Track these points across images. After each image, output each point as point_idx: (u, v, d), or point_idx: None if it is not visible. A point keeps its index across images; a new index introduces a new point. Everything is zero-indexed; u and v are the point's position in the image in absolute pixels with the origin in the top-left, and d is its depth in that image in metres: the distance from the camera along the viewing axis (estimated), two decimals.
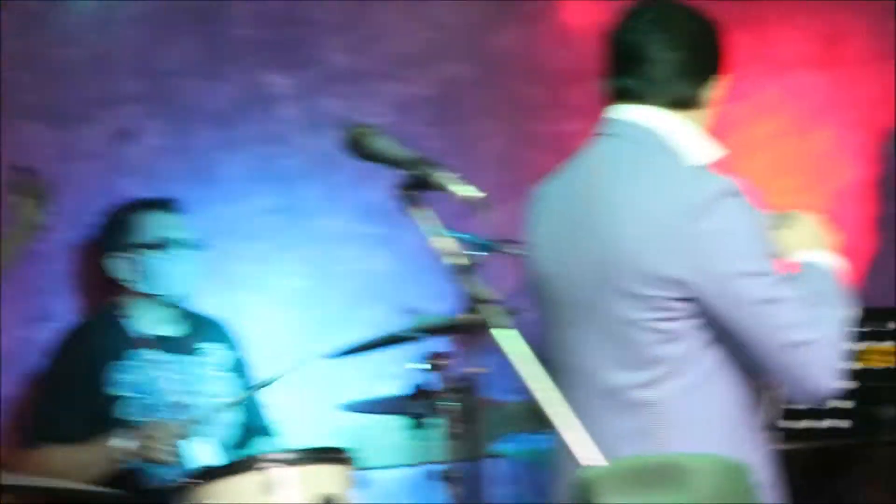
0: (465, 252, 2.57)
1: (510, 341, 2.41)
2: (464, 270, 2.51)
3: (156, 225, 4.64)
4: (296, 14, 5.20)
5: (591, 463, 2.37)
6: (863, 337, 4.44)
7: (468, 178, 4.87)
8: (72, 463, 4.36)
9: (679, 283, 2.86)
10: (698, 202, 2.87)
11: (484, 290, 2.48)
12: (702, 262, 2.87)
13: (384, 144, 2.67)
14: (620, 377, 2.99)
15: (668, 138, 3.06)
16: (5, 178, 4.43)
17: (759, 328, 2.88)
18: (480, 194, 2.56)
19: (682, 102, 3.08)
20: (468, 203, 2.53)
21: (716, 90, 3.13)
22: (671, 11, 3.18)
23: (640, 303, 2.92)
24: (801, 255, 3.07)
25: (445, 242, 2.52)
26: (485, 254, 4.38)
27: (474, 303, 2.47)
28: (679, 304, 2.89)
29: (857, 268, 5.72)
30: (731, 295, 2.88)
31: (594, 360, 3.05)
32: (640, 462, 2.18)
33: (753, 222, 2.93)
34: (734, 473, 2.12)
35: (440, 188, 2.55)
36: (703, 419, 2.99)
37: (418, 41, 5.29)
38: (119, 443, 4.39)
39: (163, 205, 4.71)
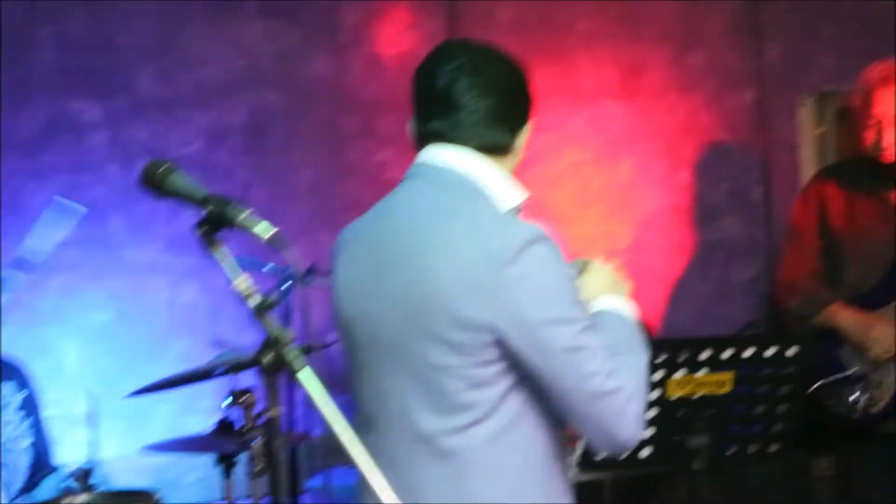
0: (260, 292, 2.39)
1: (307, 380, 2.36)
2: (261, 309, 2.38)
3: None
4: (103, 40, 5.19)
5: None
6: (670, 367, 4.38)
7: (280, 208, 4.95)
8: None
9: (489, 330, 2.80)
10: (506, 249, 2.80)
11: (280, 329, 2.37)
12: (510, 309, 2.81)
13: (179, 181, 2.50)
14: (430, 423, 2.94)
15: (478, 182, 3.01)
16: None
17: (567, 376, 2.84)
18: (274, 230, 2.39)
19: (494, 149, 3.01)
20: (265, 240, 2.41)
21: (523, 138, 3.10)
22: (482, 55, 3.07)
23: (450, 348, 2.86)
24: (599, 303, 3.08)
25: (243, 282, 2.41)
26: (292, 284, 4.70)
27: (271, 342, 2.37)
28: (486, 350, 2.83)
29: (662, 294, 5.84)
30: (539, 342, 2.82)
31: (404, 404, 2.99)
32: None
33: (560, 269, 2.88)
34: None
35: (236, 225, 2.40)
36: (509, 466, 2.95)
37: (229, 69, 5.33)
38: None
39: None
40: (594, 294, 3.07)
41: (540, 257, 2.80)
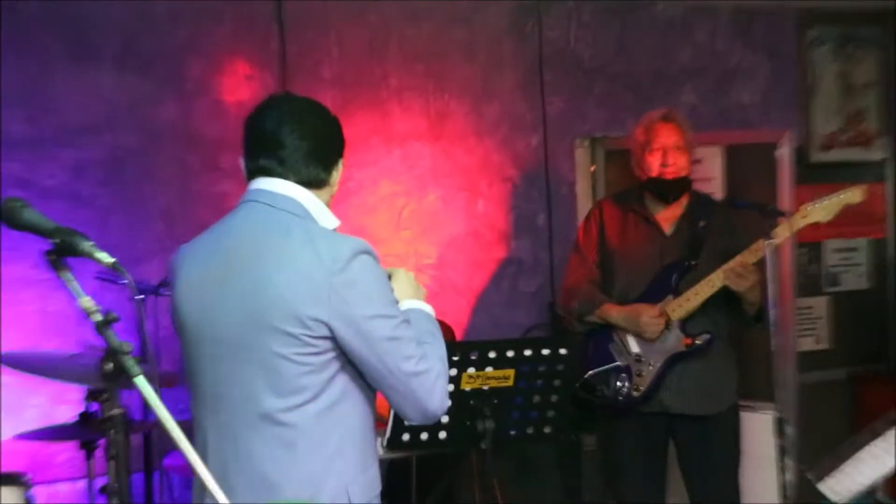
0: (100, 310, 2.67)
1: (142, 385, 2.61)
2: (102, 325, 2.68)
3: None
4: None
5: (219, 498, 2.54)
6: (462, 364, 4.58)
7: (137, 231, 5.39)
8: None
9: (321, 324, 3.12)
10: (337, 259, 3.14)
11: (119, 342, 2.67)
12: (340, 307, 3.13)
13: (31, 216, 2.82)
14: (271, 402, 3.19)
15: (305, 206, 3.33)
16: None
17: (388, 360, 3.19)
18: (111, 259, 2.70)
19: (312, 183, 3.36)
20: (106, 265, 2.71)
21: (338, 172, 3.47)
22: (300, 105, 3.44)
23: (289, 339, 3.14)
24: (405, 303, 3.43)
25: (86, 301, 2.68)
26: (144, 297, 4.87)
27: (111, 352, 2.68)
28: (320, 342, 3.14)
29: (464, 303, 6.21)
30: (365, 333, 3.17)
31: (249, 388, 3.24)
32: None
33: (380, 276, 3.27)
34: None
35: (81, 254, 2.73)
36: (333, 437, 3.24)
37: (90, 113, 5.39)
38: None
39: None
40: (401, 296, 3.44)
41: (364, 266, 3.17)
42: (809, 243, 6.85)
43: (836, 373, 6.98)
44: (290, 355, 3.18)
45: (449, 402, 3.34)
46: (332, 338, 3.16)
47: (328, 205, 3.44)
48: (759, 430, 5.37)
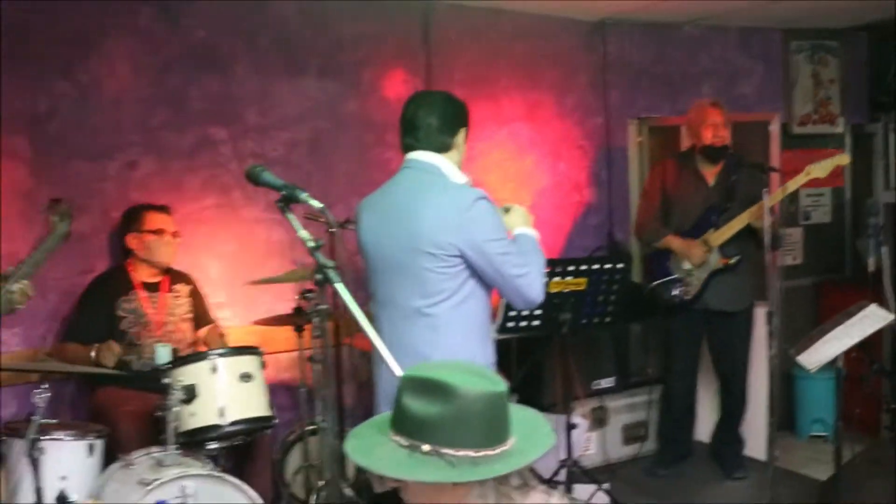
0: (314, 239, 2.86)
1: (341, 289, 2.78)
2: (313, 249, 2.86)
3: (151, 220, 4.77)
4: (231, 90, 5.23)
5: (396, 369, 2.62)
6: (550, 274, 4.67)
7: (328, 187, 5.46)
8: (80, 353, 4.50)
9: (454, 246, 3.26)
10: (464, 202, 3.27)
11: (325, 259, 2.85)
12: (466, 235, 3.25)
13: (267, 177, 2.99)
14: (420, 301, 3.35)
15: (440, 168, 3.40)
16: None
17: (499, 268, 3.30)
18: (320, 204, 2.86)
19: (441, 148, 3.42)
20: (317, 209, 2.88)
21: (460, 139, 3.48)
22: (430, 96, 3.62)
23: (431, 258, 3.28)
24: (517, 230, 3.49)
25: (303, 233, 2.86)
26: (340, 229, 4.86)
27: (320, 267, 2.86)
28: (453, 259, 3.28)
29: (550, 232, 5.99)
30: (482, 252, 3.27)
31: (403, 293, 3.39)
32: (423, 376, 1.96)
33: (493, 212, 3.33)
34: (485, 387, 1.94)
35: (300, 201, 2.90)
36: (462, 324, 3.36)
37: (299, 107, 5.39)
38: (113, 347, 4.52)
39: (157, 207, 4.84)
40: (516, 224, 3.52)
41: (481, 207, 3.27)
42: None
43: (806, 280, 6.97)
44: (432, 268, 3.32)
45: (544, 295, 3.40)
46: (461, 256, 3.28)
47: (458, 165, 3.48)
48: (755, 320, 5.53)
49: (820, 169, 5.00)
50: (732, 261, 5.31)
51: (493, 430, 1.95)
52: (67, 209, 4.12)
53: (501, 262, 3.32)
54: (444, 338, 3.38)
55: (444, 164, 3.46)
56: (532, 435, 2.04)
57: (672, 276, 5.45)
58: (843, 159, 5.10)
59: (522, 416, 2.10)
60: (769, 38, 6.89)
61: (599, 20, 6.24)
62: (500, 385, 1.97)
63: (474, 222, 3.30)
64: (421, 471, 1.89)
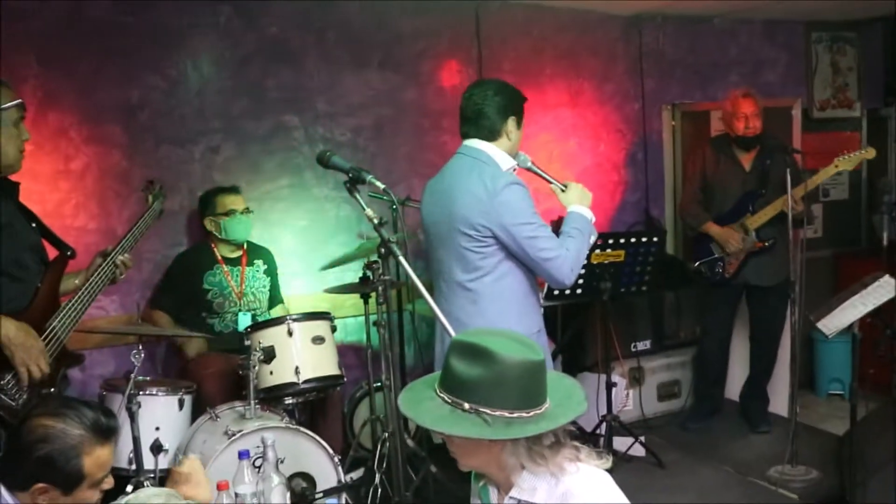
0: (378, 216, 2.93)
1: (403, 262, 2.86)
2: (378, 225, 2.93)
3: (222, 202, 4.76)
4: (302, 80, 5.20)
5: (450, 332, 2.69)
6: (592, 247, 4.60)
7: (392, 168, 5.45)
8: (164, 321, 4.58)
9: (486, 228, 3.28)
10: (496, 187, 3.27)
11: (388, 234, 2.93)
12: (497, 218, 3.27)
13: (336, 160, 3.04)
14: (461, 276, 3.40)
15: (488, 155, 3.40)
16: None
17: (529, 250, 3.28)
18: (383, 185, 2.92)
19: (490, 136, 3.45)
20: (381, 190, 2.94)
21: (509, 126, 3.47)
22: (483, 86, 3.53)
23: (467, 238, 3.33)
24: (571, 207, 3.45)
25: (369, 212, 2.92)
26: (401, 206, 4.72)
27: (384, 241, 2.94)
28: (487, 240, 3.30)
29: (591, 208, 6.27)
30: (512, 234, 3.28)
31: (448, 268, 3.45)
32: (469, 341, 1.98)
33: (523, 198, 3.28)
34: (524, 355, 1.96)
35: (365, 182, 2.95)
36: (502, 297, 3.38)
37: (363, 96, 5.35)
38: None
39: (227, 189, 4.83)
40: (571, 201, 3.45)
41: (512, 191, 3.26)
42: (811, 170, 6.61)
43: (825, 252, 6.84)
44: (469, 247, 3.35)
45: (574, 277, 3.34)
46: (494, 237, 3.29)
47: (510, 151, 3.43)
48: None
49: (847, 161, 4.92)
50: (767, 243, 5.25)
51: (528, 394, 1.97)
52: (161, 189, 4.20)
53: (529, 245, 3.29)
54: (483, 310, 3.38)
55: (493, 150, 3.44)
56: (566, 401, 2.05)
57: (715, 256, 5.37)
58: (870, 153, 4.95)
59: (560, 384, 2.13)
60: (792, 30, 6.72)
61: (636, 14, 6.13)
62: (539, 355, 1.99)
63: (504, 206, 3.28)
64: (459, 426, 1.93)
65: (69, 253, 3.26)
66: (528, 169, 3.52)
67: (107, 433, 2.27)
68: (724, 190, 5.35)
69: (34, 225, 3.23)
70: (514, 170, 3.49)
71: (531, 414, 1.96)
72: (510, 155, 3.47)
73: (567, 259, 3.30)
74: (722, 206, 5.35)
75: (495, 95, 3.44)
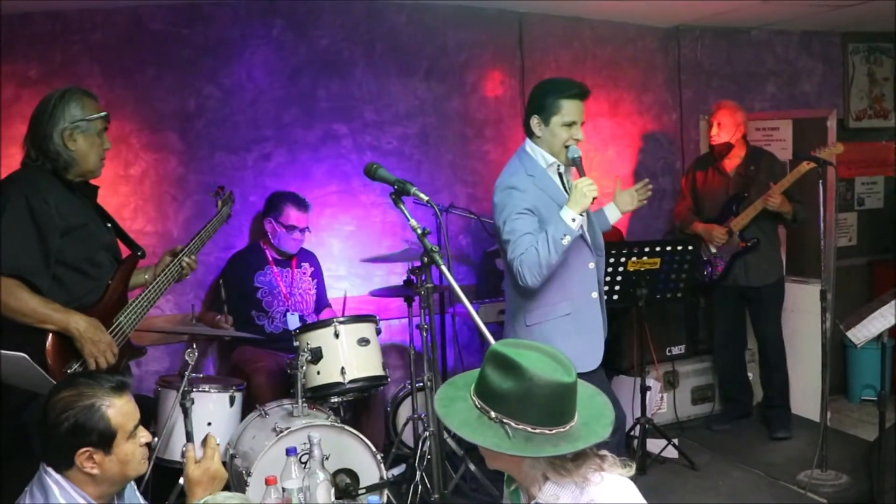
0: (421, 226, 2.97)
1: (442, 269, 2.89)
2: (421, 235, 2.96)
3: (288, 214, 4.77)
4: (351, 90, 5.23)
5: (489, 338, 2.71)
6: (629, 255, 4.76)
7: (436, 176, 5.47)
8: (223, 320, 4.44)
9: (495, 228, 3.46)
10: (497, 188, 3.45)
11: (431, 244, 2.94)
12: (494, 217, 3.45)
13: (382, 172, 3.09)
14: (505, 266, 3.54)
15: (527, 150, 3.51)
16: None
17: (506, 249, 3.40)
18: (426, 197, 2.97)
19: (529, 135, 3.55)
20: (421, 200, 2.99)
21: (533, 125, 3.49)
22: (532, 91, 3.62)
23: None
24: (563, 210, 3.32)
25: (412, 222, 2.97)
26: (445, 213, 4.97)
27: (427, 250, 2.95)
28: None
29: (641, 217, 6.04)
30: (498, 232, 3.42)
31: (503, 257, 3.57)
32: (505, 352, 1.96)
33: (508, 200, 3.35)
34: (555, 376, 1.94)
35: (409, 193, 3.01)
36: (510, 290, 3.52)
37: (409, 106, 5.38)
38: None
39: (298, 202, 4.84)
40: (570, 205, 3.33)
41: (500, 195, 3.39)
42: (846, 179, 6.62)
43: (860, 260, 6.77)
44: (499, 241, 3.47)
45: (531, 283, 3.33)
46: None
47: (549, 147, 3.47)
48: (810, 297, 5.28)
49: (822, 155, 4.77)
50: (749, 243, 5.23)
51: (553, 412, 1.93)
52: (230, 195, 4.23)
53: (505, 246, 3.39)
54: (511, 295, 3.54)
55: (532, 147, 3.52)
56: (593, 421, 2.01)
57: (702, 259, 5.37)
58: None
59: (593, 402, 2.09)
60: (829, 41, 6.65)
61: (674, 26, 6.13)
62: (571, 376, 1.95)
63: (495, 207, 3.44)
64: (481, 434, 1.92)
65: (139, 253, 3.37)
66: (571, 163, 3.50)
67: (120, 387, 2.33)
68: (711, 197, 5.39)
69: (109, 225, 3.34)
70: (556, 166, 3.53)
71: (553, 432, 1.94)
72: (553, 150, 3.49)
73: (522, 264, 3.32)
74: (710, 211, 5.39)
75: (529, 96, 3.56)
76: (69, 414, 2.22)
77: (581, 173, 3.43)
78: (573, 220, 3.31)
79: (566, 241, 3.30)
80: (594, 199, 3.34)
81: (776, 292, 5.34)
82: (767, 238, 5.26)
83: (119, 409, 2.29)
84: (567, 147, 3.49)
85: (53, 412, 2.25)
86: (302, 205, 4.84)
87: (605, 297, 4.74)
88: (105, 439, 2.25)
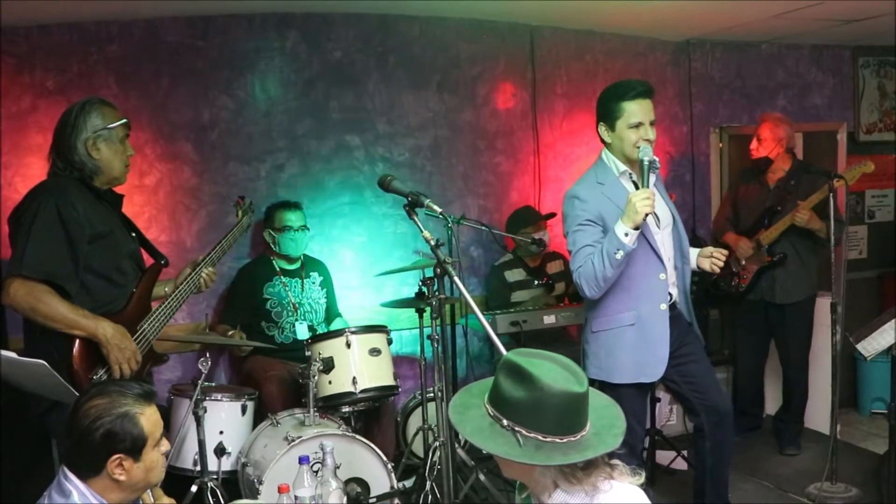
0: (433, 237, 3.01)
1: (455, 279, 2.91)
2: (434, 247, 3.01)
3: (279, 217, 4.80)
4: (363, 102, 5.25)
5: (500, 348, 2.68)
6: None
7: (449, 189, 5.46)
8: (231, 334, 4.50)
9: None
10: (566, 198, 3.53)
11: (444, 255, 3.00)
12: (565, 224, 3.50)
13: (396, 184, 3.16)
14: None
15: (602, 158, 3.57)
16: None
17: (573, 258, 3.44)
18: (439, 209, 3.01)
19: (602, 142, 3.57)
20: (439, 212, 3.05)
21: (601, 133, 3.55)
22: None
23: None
24: (618, 224, 3.33)
25: (426, 233, 3.00)
26: (457, 225, 4.66)
27: (440, 261, 3.01)
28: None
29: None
30: (569, 242, 3.46)
31: None
32: (518, 362, 1.97)
33: (572, 210, 3.45)
34: (567, 386, 1.93)
35: (422, 206, 3.07)
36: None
37: (421, 118, 5.38)
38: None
39: (286, 205, 4.84)
40: (624, 219, 3.32)
41: (567, 204, 3.47)
42: (856, 192, 6.59)
43: (870, 273, 6.74)
44: None
45: (592, 292, 3.40)
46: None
47: (619, 155, 3.50)
48: (821, 310, 5.27)
49: (849, 175, 4.77)
50: (775, 258, 5.17)
51: (564, 422, 1.94)
52: (250, 204, 4.27)
53: (571, 255, 3.43)
54: (584, 301, 3.58)
55: (607, 155, 3.56)
56: (604, 431, 2.01)
57: (731, 270, 5.30)
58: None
59: (606, 412, 2.09)
60: (839, 55, 6.63)
61: (685, 40, 6.13)
62: (583, 386, 1.95)
63: (564, 216, 3.49)
64: (493, 442, 1.93)
65: (163, 262, 3.42)
66: (641, 166, 3.44)
67: (148, 396, 2.37)
68: (748, 209, 5.33)
69: (133, 234, 3.39)
70: (629, 175, 3.53)
71: (564, 440, 1.94)
72: (626, 154, 3.49)
73: (582, 275, 3.36)
74: (745, 223, 5.34)
75: (595, 106, 3.57)
76: (103, 421, 2.25)
77: (644, 182, 3.37)
78: (626, 234, 3.29)
79: (619, 255, 3.29)
80: (647, 214, 3.27)
81: (801, 311, 5.25)
82: (799, 255, 5.18)
83: (149, 418, 2.34)
84: (638, 148, 3.45)
85: (87, 419, 2.27)
86: (290, 205, 4.83)
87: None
88: (137, 447, 2.29)
